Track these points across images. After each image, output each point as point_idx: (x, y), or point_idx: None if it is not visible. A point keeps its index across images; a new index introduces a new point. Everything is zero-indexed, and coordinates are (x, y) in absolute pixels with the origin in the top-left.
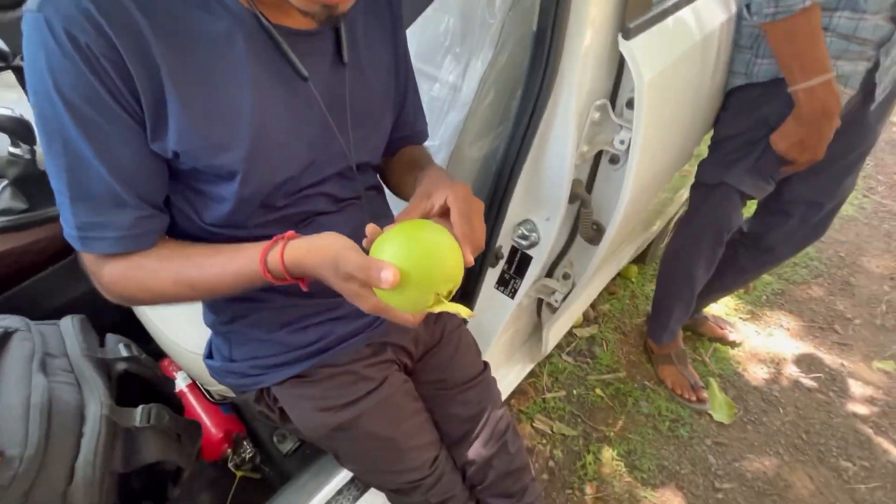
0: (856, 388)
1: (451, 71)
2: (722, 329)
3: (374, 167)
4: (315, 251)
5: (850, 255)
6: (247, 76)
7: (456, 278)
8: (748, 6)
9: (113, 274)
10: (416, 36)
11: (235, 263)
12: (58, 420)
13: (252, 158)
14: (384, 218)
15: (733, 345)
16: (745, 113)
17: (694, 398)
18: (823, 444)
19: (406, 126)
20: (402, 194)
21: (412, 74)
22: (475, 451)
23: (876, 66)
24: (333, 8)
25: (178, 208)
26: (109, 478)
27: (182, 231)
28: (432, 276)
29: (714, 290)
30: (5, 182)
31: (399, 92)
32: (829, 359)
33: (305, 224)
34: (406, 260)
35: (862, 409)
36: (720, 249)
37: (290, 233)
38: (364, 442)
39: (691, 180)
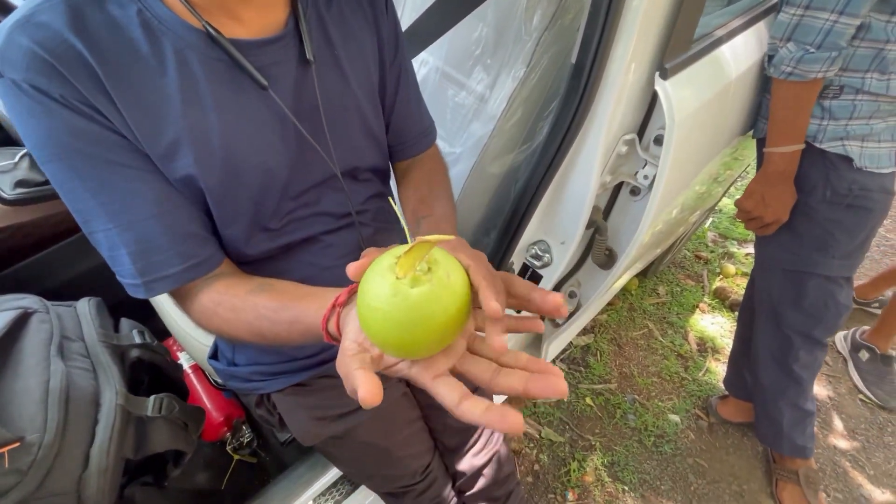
0: (839, 420)
1: (479, 81)
2: None
3: (375, 172)
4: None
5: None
6: (209, 99)
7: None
8: (770, 57)
9: (196, 317)
10: (447, 40)
11: (301, 325)
12: (75, 406)
13: (225, 183)
14: (388, 232)
15: None
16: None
17: None
18: None
19: (409, 119)
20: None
21: (406, 65)
22: (468, 462)
23: None
24: None
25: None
26: (119, 464)
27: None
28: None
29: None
30: (23, 151)
31: (388, 82)
32: (818, 389)
33: (308, 245)
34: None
35: (843, 443)
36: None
37: (341, 296)
38: (358, 450)
39: (707, 202)
